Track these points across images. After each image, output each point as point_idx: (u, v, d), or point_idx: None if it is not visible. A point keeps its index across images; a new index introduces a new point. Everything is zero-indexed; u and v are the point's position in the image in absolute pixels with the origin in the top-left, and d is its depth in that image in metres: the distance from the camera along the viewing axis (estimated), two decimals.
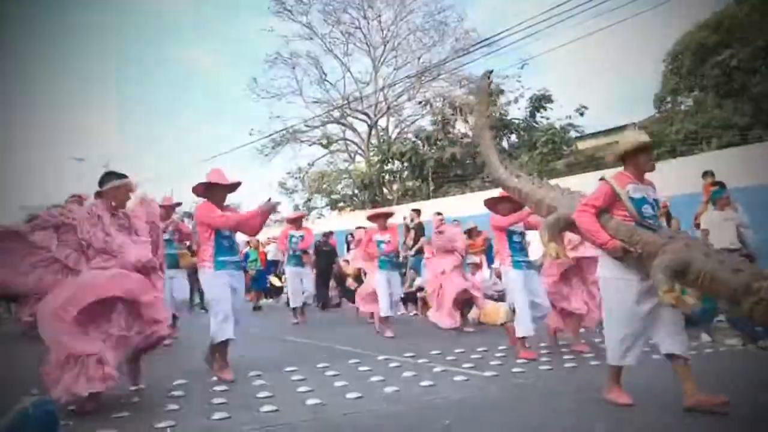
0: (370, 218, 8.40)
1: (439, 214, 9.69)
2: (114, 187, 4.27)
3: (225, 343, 4.96)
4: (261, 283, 13.70)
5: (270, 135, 26.51)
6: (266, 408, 3.85)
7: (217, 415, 3.69)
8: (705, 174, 8.67)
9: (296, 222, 9.84)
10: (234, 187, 5.35)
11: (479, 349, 6.33)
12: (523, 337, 5.86)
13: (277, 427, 3.47)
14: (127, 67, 55.73)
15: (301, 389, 4.43)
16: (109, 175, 4.32)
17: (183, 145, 59.22)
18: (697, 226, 8.12)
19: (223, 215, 5.06)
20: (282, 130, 26.58)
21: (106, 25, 53.29)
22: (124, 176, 4.32)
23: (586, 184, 12.13)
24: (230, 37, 49.05)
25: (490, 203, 6.18)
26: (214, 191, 5.16)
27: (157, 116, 57.72)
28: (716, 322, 7.22)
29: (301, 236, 9.34)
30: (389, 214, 8.38)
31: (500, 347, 6.44)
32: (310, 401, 4.05)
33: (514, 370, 5.21)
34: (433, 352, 6.19)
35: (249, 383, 4.69)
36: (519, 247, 6.06)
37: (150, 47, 52.55)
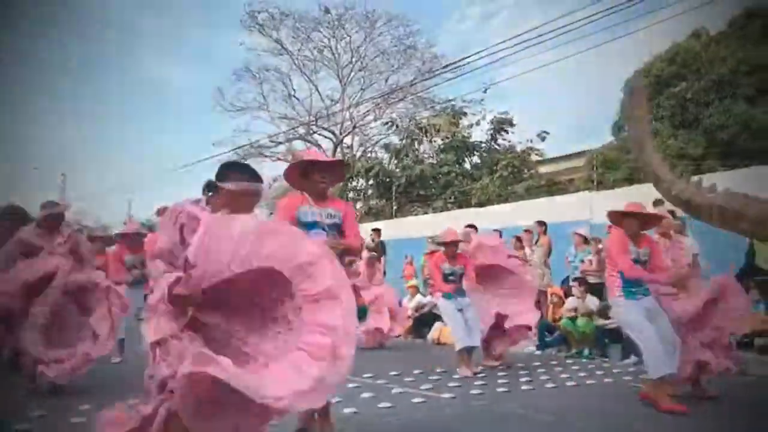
0: None
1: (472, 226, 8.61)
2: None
3: None
4: None
5: (234, 149, 26.30)
6: None
7: None
8: (655, 202, 8.93)
9: None
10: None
11: (438, 371, 6.36)
12: None
13: None
14: (89, 76, 54.80)
15: None
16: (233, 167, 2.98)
17: (145, 155, 58.32)
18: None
19: None
20: (246, 145, 26.42)
21: (68, 33, 52.38)
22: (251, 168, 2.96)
23: (545, 208, 12.41)
24: (198, 49, 48.75)
25: (616, 217, 5.15)
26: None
27: (119, 126, 56.79)
28: None
29: None
30: None
31: (458, 370, 6.48)
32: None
33: (472, 392, 5.25)
34: (392, 373, 6.19)
35: None
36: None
37: (114, 56, 51.87)
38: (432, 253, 6.89)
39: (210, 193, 2.80)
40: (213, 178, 2.80)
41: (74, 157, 56.22)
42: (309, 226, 3.64)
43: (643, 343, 4.60)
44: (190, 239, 2.45)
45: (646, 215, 5.03)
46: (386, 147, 23.38)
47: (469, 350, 6.41)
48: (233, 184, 2.74)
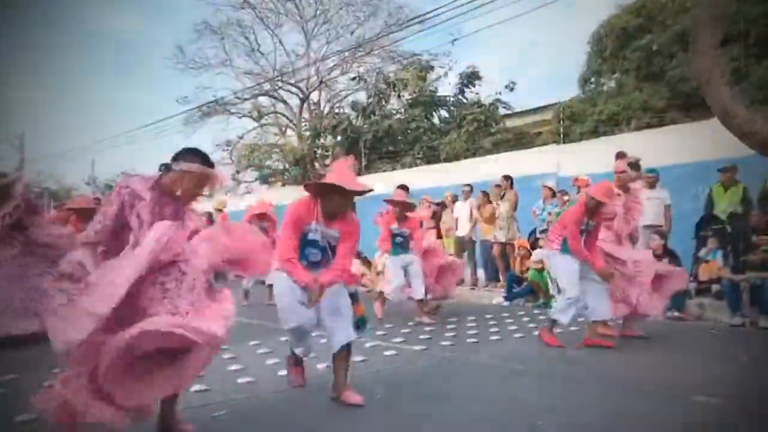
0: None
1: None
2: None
3: None
4: None
5: (199, 106, 25.73)
6: (197, 387, 3.83)
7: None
8: (618, 155, 9.09)
9: (261, 216, 8.80)
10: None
11: (409, 325, 6.49)
12: None
13: (209, 406, 3.46)
14: (45, 33, 52.56)
15: (233, 367, 4.42)
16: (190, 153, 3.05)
17: (104, 114, 56.63)
18: None
19: None
20: (211, 102, 25.85)
21: None
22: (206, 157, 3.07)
23: (512, 161, 12.50)
24: (156, 4, 46.99)
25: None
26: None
27: (78, 86, 54.87)
28: None
29: (263, 228, 8.02)
30: None
31: (429, 322, 6.62)
32: (242, 379, 4.05)
33: (443, 343, 5.38)
34: None
35: None
36: None
37: (69, 13, 49.71)
38: (383, 213, 7.22)
39: (162, 171, 2.94)
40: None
41: (33, 116, 54.38)
42: (309, 243, 3.68)
43: (567, 294, 5.26)
44: (130, 218, 2.78)
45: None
46: (354, 105, 23.06)
47: (418, 302, 6.99)
48: (183, 165, 2.90)
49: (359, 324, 3.79)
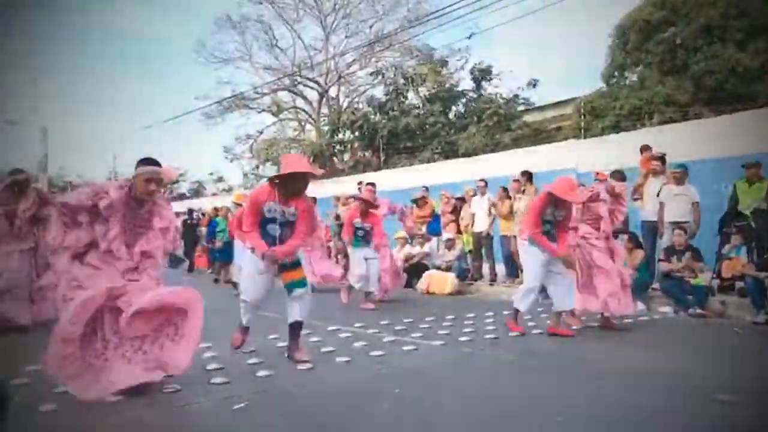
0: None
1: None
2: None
3: None
4: (226, 254, 11.97)
5: (218, 101, 25.93)
6: (217, 380, 3.86)
7: (167, 388, 3.69)
8: (643, 148, 8.98)
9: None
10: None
11: (427, 319, 6.48)
12: None
13: (228, 399, 3.49)
14: (69, 29, 53.23)
15: (252, 361, 4.45)
16: (142, 161, 3.89)
17: (127, 109, 57.22)
18: (635, 198, 8.45)
19: None
20: (231, 97, 26.02)
21: None
22: (155, 162, 3.89)
23: (531, 157, 12.40)
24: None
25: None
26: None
27: (100, 80, 55.49)
28: (650, 291, 7.57)
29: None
30: None
31: (447, 317, 6.61)
32: (261, 372, 4.08)
33: (462, 339, 5.37)
34: (383, 322, 6.30)
35: (199, 355, 4.67)
36: None
37: (92, 9, 50.22)
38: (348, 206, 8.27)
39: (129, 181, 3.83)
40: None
41: (54, 111, 55.15)
42: (268, 221, 4.42)
43: (528, 283, 5.69)
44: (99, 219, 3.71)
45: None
46: (370, 101, 22.97)
47: (366, 293, 7.86)
48: (136, 172, 3.80)
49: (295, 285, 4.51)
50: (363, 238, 7.84)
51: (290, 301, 4.55)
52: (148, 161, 3.82)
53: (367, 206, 7.85)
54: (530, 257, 5.67)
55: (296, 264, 4.55)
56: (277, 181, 4.46)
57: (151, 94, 54.23)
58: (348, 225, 7.96)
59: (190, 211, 17.09)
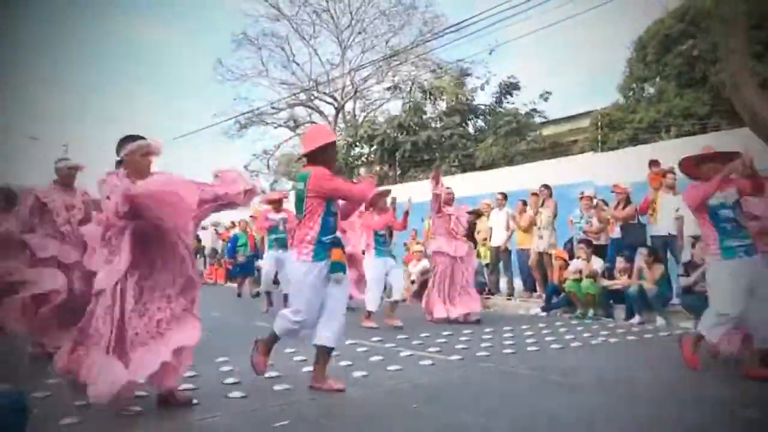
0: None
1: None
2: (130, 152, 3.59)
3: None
4: (249, 268, 12.33)
5: (235, 117, 26.19)
6: (235, 394, 3.87)
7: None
8: (651, 163, 8.94)
9: (276, 203, 8.97)
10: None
11: (444, 334, 6.46)
12: None
13: (246, 413, 3.50)
14: (88, 46, 54.22)
15: (269, 374, 4.45)
16: (126, 139, 3.63)
17: (145, 125, 58.01)
18: (643, 212, 8.41)
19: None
20: (248, 112, 26.28)
21: (67, 2, 51.63)
22: (140, 137, 3.61)
23: (548, 170, 12.35)
24: (195, 17, 48.07)
25: (689, 165, 4.83)
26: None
27: (119, 96, 56.39)
28: (671, 306, 7.49)
29: (282, 218, 8.66)
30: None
31: (464, 332, 6.58)
32: (278, 386, 4.08)
33: (479, 354, 5.34)
34: (400, 337, 6.29)
35: (216, 369, 4.69)
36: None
37: (113, 25, 51.12)
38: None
39: (118, 165, 3.60)
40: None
41: (74, 128, 55.99)
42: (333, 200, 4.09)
43: (721, 309, 4.33)
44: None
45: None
46: (390, 120, 22.98)
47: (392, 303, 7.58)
48: (123, 152, 3.55)
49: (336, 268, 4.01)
50: (384, 244, 7.50)
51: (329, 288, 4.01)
52: (128, 138, 3.59)
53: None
54: (724, 274, 4.33)
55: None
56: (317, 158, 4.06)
57: (169, 111, 54.95)
58: (375, 230, 7.42)
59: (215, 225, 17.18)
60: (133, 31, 50.76)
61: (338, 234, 4.15)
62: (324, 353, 4.06)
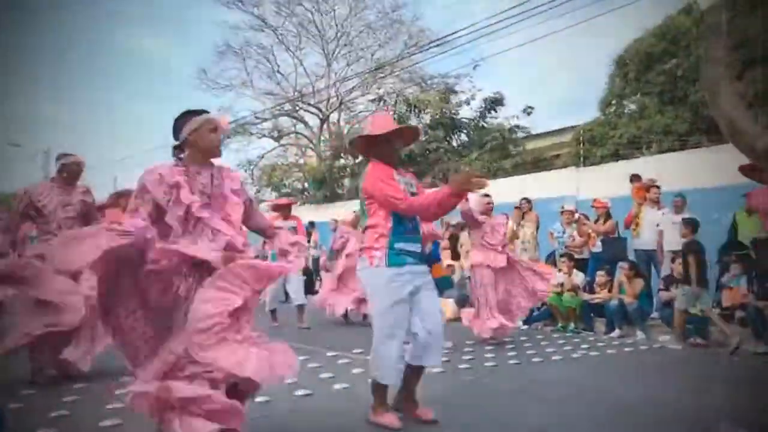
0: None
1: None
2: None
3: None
4: None
5: None
6: (260, 399, 3.82)
7: None
8: (632, 177, 9.07)
9: (284, 210, 8.43)
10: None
11: None
12: None
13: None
14: (72, 54, 53.80)
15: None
16: (187, 115, 3.02)
17: (129, 134, 57.54)
18: (627, 226, 8.52)
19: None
20: (232, 122, 26.20)
21: (50, 8, 51.25)
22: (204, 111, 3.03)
23: (531, 184, 12.43)
24: (180, 26, 47.96)
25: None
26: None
27: (102, 104, 55.95)
28: (651, 319, 7.55)
29: (292, 227, 7.62)
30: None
31: (446, 345, 6.57)
32: (258, 398, 4.04)
33: (461, 366, 5.34)
34: None
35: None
36: None
37: (96, 33, 50.85)
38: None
39: (177, 151, 2.99)
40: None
41: (56, 135, 55.44)
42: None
43: None
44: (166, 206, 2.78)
45: None
46: None
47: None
48: (186, 130, 2.93)
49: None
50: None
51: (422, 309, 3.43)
52: (188, 113, 3.00)
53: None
54: None
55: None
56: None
57: (151, 119, 54.63)
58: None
59: None
60: (118, 36, 50.54)
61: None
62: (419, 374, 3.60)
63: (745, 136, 2.63)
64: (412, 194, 3.50)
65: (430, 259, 3.54)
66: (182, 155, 2.97)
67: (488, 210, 7.14)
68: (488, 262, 7.01)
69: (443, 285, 3.39)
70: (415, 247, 3.49)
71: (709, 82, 2.92)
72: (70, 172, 5.11)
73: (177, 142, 2.98)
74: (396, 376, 3.37)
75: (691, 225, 7.16)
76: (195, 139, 2.93)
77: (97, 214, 5.24)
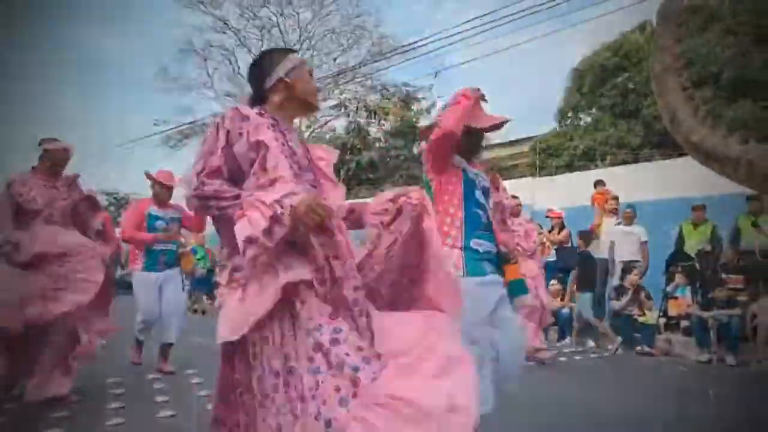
0: None
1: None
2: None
3: None
4: (206, 283, 11.59)
5: (178, 126, 25.71)
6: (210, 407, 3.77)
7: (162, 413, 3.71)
8: (596, 183, 9.24)
9: None
10: None
11: None
12: None
13: None
14: (31, 51, 52.18)
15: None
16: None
17: (85, 133, 56.06)
18: (583, 236, 8.68)
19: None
20: (191, 122, 25.84)
21: (7, 7, 49.59)
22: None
23: None
24: (142, 24, 47.01)
25: None
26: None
27: (63, 103, 54.42)
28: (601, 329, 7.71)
29: None
30: None
31: None
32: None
33: None
34: None
35: (187, 380, 4.74)
36: None
37: (55, 32, 49.44)
38: None
39: (260, 98, 2.12)
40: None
41: (8, 135, 53.68)
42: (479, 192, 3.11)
43: None
44: (237, 143, 1.90)
45: None
46: (331, 141, 23.01)
47: None
48: (280, 71, 2.10)
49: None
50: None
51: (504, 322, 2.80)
52: (274, 51, 2.21)
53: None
54: None
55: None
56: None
57: (111, 118, 53.37)
58: None
59: None
60: (75, 35, 49.27)
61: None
62: None
63: (683, 127, 2.68)
64: (484, 188, 3.04)
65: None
66: (264, 106, 2.09)
67: (517, 212, 6.57)
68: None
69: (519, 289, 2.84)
70: None
71: (656, 71, 2.96)
72: (54, 161, 4.38)
73: (260, 89, 2.13)
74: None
75: (585, 237, 8.07)
76: (293, 82, 2.10)
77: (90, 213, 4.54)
